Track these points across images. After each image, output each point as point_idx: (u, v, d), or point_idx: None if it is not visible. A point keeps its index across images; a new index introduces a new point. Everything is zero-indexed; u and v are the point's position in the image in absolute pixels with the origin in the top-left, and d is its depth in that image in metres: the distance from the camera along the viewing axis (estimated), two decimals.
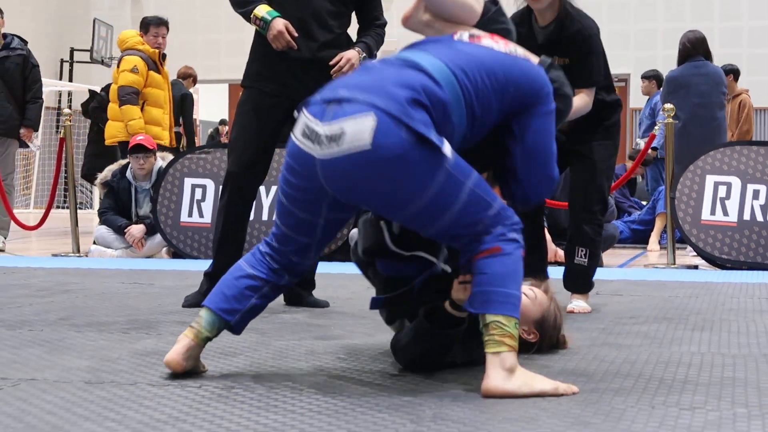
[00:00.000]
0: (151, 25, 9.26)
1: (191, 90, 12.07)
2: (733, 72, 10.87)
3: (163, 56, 9.34)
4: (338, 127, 2.84)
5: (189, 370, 3.15)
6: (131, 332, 4.11)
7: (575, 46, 4.68)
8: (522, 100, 3.10)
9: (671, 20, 17.40)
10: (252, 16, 4.75)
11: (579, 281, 5.01)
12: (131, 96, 8.96)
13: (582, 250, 4.94)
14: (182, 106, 11.31)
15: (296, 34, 4.70)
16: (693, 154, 7.88)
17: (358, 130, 2.81)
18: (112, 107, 9.29)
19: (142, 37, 9.26)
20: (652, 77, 11.71)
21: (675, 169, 8.00)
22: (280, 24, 4.69)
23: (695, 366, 3.40)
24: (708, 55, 8.78)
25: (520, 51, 3.24)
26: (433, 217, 2.91)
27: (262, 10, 4.74)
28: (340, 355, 3.56)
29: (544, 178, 3.21)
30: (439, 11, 3.44)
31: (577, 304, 4.96)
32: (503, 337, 2.84)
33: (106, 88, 11.97)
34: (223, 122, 20.57)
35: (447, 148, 2.88)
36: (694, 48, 8.74)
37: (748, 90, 11.31)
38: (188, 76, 12.10)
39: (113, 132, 9.29)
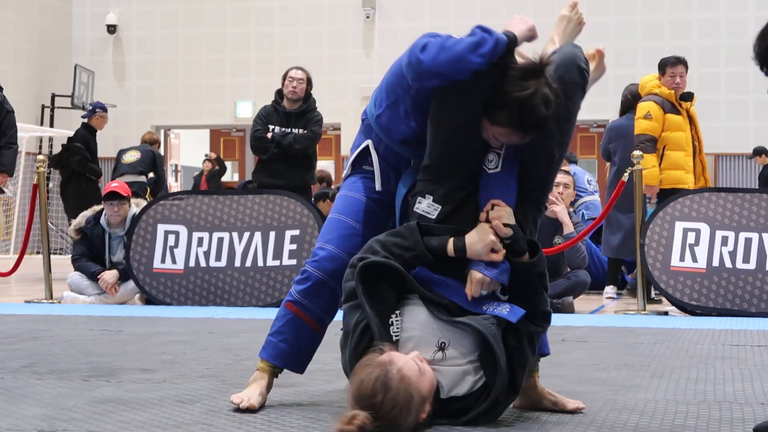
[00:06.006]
0: (668, 65, 8.73)
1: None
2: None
3: (689, 95, 8.74)
4: None
5: None
6: (91, 380, 4.12)
7: None
8: None
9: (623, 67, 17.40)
10: None
11: None
12: (646, 144, 8.52)
13: None
14: (155, 164, 12.00)
15: None
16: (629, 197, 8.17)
17: None
18: None
19: (659, 79, 8.79)
20: None
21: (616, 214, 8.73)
22: None
23: (647, 413, 3.43)
24: None
25: None
26: None
27: None
28: (295, 403, 3.58)
29: None
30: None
31: None
32: None
33: (77, 137, 12.03)
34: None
35: None
36: (635, 100, 9.00)
37: None
38: (154, 142, 12.75)
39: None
